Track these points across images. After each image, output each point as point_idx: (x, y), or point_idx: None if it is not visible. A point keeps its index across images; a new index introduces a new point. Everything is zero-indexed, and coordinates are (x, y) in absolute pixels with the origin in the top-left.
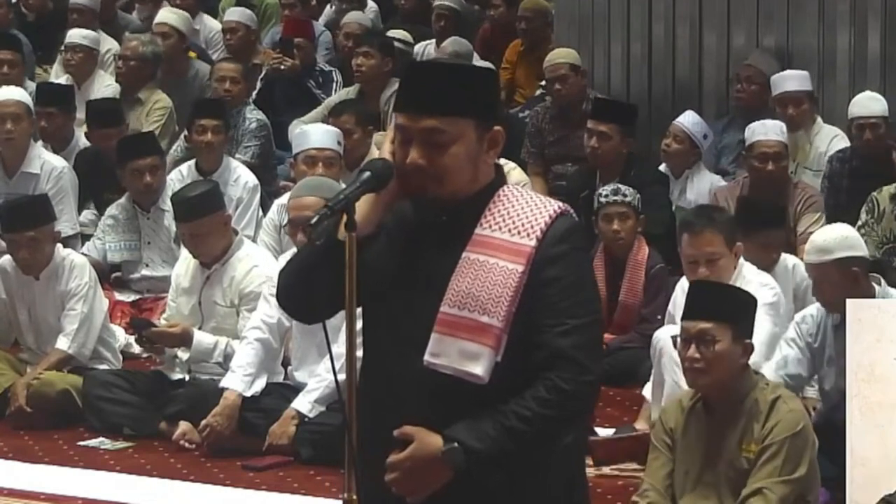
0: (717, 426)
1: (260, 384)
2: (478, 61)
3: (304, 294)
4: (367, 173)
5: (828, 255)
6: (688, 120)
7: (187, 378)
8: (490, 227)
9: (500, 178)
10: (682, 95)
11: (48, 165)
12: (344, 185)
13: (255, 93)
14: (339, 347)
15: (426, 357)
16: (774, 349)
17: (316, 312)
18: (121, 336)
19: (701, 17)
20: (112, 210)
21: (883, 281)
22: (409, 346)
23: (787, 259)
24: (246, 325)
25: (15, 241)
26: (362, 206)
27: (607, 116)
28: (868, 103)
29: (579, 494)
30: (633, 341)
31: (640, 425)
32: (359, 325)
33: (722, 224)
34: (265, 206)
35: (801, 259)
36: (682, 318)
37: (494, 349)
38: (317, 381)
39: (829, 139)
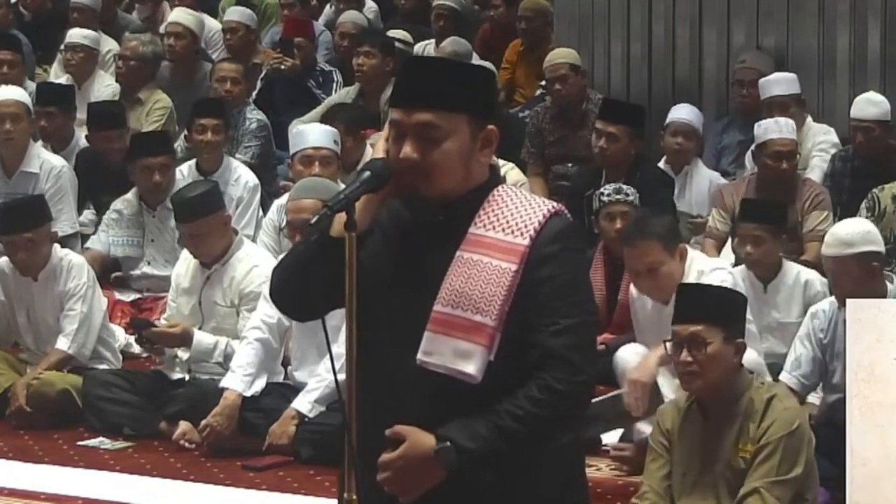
0: (713, 427)
1: (260, 384)
2: (477, 61)
3: (297, 290)
4: (367, 173)
5: (849, 249)
6: (686, 113)
7: (187, 378)
8: (484, 226)
9: (494, 178)
10: (682, 95)
11: (47, 165)
12: (343, 186)
13: (255, 93)
14: (339, 347)
15: (419, 356)
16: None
17: (309, 309)
18: (121, 336)
19: (701, 17)
20: (118, 205)
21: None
22: (402, 345)
23: (802, 273)
24: (246, 325)
25: (12, 242)
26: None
27: (616, 118)
28: (865, 106)
29: (579, 495)
30: (633, 340)
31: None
32: (336, 321)
33: (657, 232)
34: (265, 206)
35: (805, 258)
36: (673, 322)
37: (487, 348)
38: (317, 381)
39: (819, 136)
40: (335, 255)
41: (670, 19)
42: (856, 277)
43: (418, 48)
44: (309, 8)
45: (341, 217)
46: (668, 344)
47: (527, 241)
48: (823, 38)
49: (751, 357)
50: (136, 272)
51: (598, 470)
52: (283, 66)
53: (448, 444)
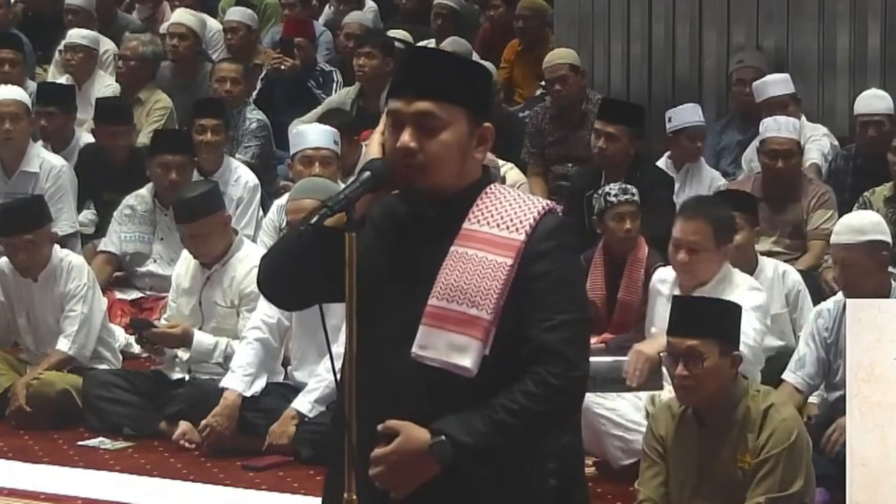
0: (710, 436)
1: (260, 384)
2: (477, 61)
3: (287, 279)
4: (368, 173)
5: (861, 236)
6: (697, 114)
7: (187, 378)
8: (478, 221)
9: (486, 177)
10: (682, 95)
11: (47, 164)
12: (342, 186)
13: (255, 93)
14: (339, 347)
15: (414, 349)
16: (761, 355)
17: (298, 299)
18: (121, 336)
19: (701, 17)
20: (130, 200)
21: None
22: (397, 340)
23: (778, 266)
24: (246, 325)
25: (13, 244)
26: None
27: (616, 118)
28: (872, 101)
29: (579, 494)
30: (633, 340)
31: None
32: (336, 320)
33: (716, 218)
34: (265, 206)
35: (806, 258)
36: (669, 334)
37: (483, 341)
38: (317, 381)
39: (809, 132)
40: (328, 245)
41: (670, 19)
42: (866, 266)
43: None
44: (309, 8)
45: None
46: (663, 356)
47: (522, 237)
48: (823, 38)
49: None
50: (142, 269)
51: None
52: (283, 67)
53: (443, 438)
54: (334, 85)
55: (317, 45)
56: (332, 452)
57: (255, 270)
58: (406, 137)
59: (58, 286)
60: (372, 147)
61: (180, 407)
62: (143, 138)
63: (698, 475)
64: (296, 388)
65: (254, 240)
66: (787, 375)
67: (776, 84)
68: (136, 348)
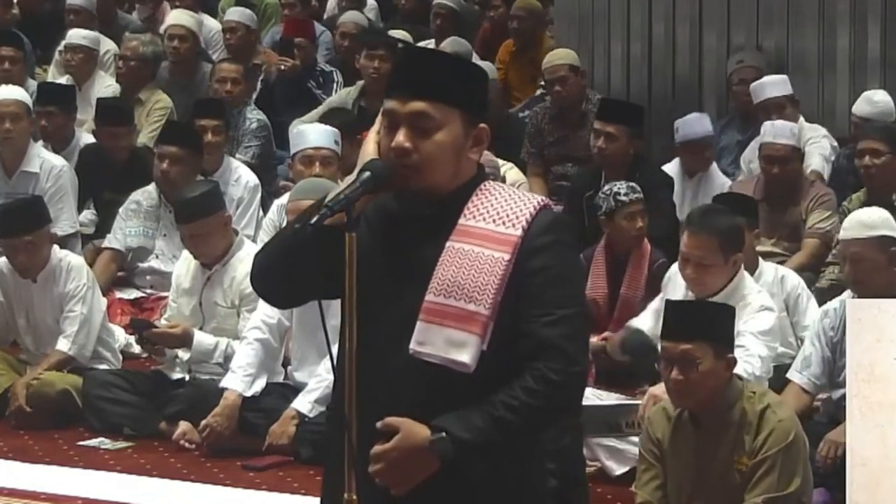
0: (706, 439)
1: (260, 384)
2: (477, 61)
3: (281, 276)
4: (367, 173)
5: (871, 231)
6: (708, 124)
7: (187, 378)
8: (474, 217)
9: (481, 175)
10: (682, 95)
11: (48, 164)
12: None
13: (255, 94)
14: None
15: (412, 346)
16: (765, 380)
17: (291, 296)
18: (121, 336)
19: (701, 17)
20: (137, 196)
21: None
22: (394, 337)
23: (778, 270)
24: (246, 325)
25: (12, 245)
26: None
27: (614, 117)
28: (861, 105)
29: (579, 495)
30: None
31: None
32: (336, 321)
33: (721, 230)
34: (265, 206)
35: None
36: (662, 338)
37: (481, 337)
38: (317, 381)
39: (808, 134)
40: (323, 243)
41: (670, 19)
42: (873, 261)
43: None
44: (309, 8)
45: None
46: (658, 364)
47: (519, 232)
48: (823, 38)
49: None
50: (144, 265)
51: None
52: (283, 67)
53: (443, 434)
54: (334, 85)
55: (317, 45)
56: (329, 451)
57: None
58: (401, 138)
59: (57, 286)
60: (367, 147)
61: (180, 407)
62: (144, 138)
63: (695, 477)
64: (296, 388)
65: (254, 240)
66: (793, 375)
67: (774, 85)
68: (136, 348)
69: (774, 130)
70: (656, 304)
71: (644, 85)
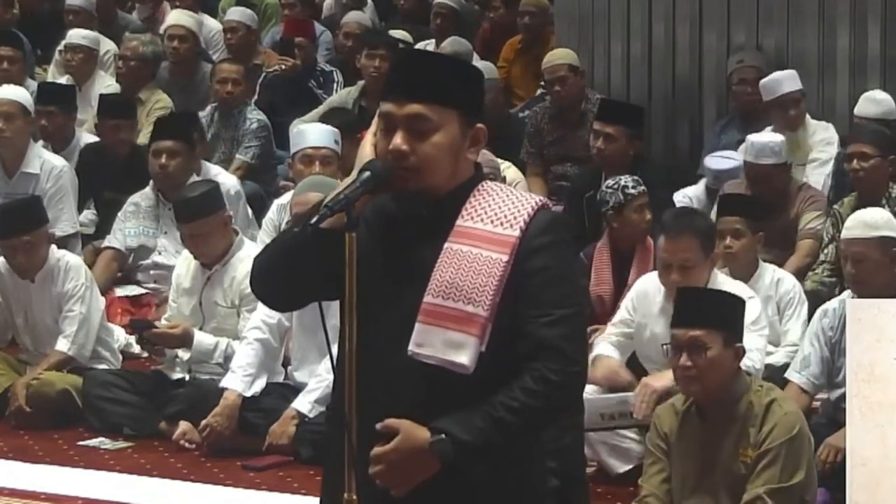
0: (712, 431)
1: (260, 384)
2: (477, 61)
3: (280, 279)
4: (367, 173)
5: (874, 231)
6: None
7: (187, 378)
8: (472, 218)
9: (479, 175)
10: (682, 95)
11: (48, 165)
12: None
13: (255, 94)
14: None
15: (411, 347)
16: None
17: (290, 299)
18: (121, 336)
19: (701, 17)
20: (135, 198)
21: None
22: (393, 338)
23: (776, 272)
24: (246, 325)
25: (10, 245)
26: None
27: (614, 118)
28: (865, 105)
29: (579, 494)
30: None
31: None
32: (336, 320)
33: (700, 230)
34: (265, 206)
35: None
36: (672, 325)
37: (479, 338)
38: (317, 381)
39: (819, 133)
40: (322, 246)
41: (670, 19)
42: (876, 262)
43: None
44: (309, 7)
45: None
46: (666, 347)
47: (517, 233)
48: (823, 38)
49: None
50: (147, 261)
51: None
52: (282, 67)
53: (443, 436)
54: (335, 85)
55: (317, 45)
56: (329, 451)
57: None
58: (398, 140)
59: (55, 286)
60: (364, 149)
61: (180, 407)
62: (144, 138)
63: (700, 469)
64: (296, 388)
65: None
66: (792, 375)
67: (788, 80)
68: (137, 348)
69: (755, 150)
70: (615, 336)
71: (644, 85)
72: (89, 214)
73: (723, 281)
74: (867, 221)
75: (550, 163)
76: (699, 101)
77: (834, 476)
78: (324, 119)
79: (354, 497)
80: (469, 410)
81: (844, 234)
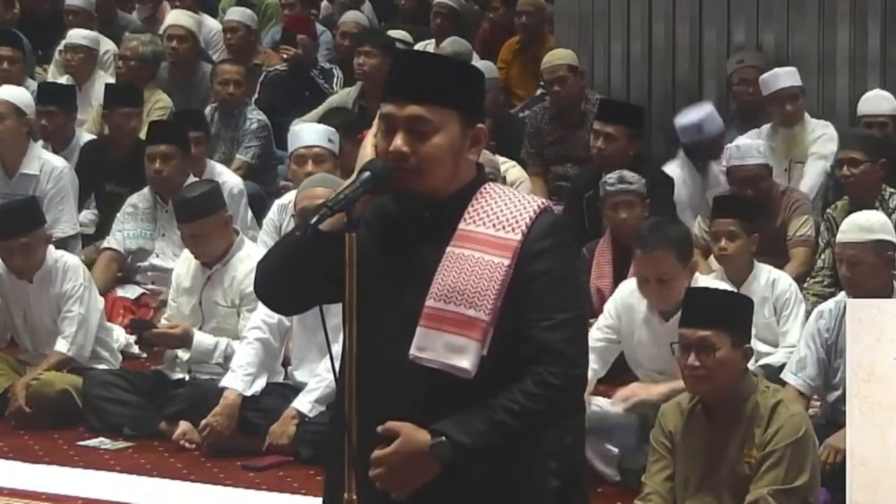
0: (718, 431)
1: (260, 384)
2: (477, 61)
3: (283, 283)
4: (367, 173)
5: (870, 235)
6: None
7: (187, 378)
8: (474, 222)
9: (481, 176)
10: (682, 95)
11: (48, 166)
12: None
13: (255, 95)
14: (339, 347)
15: (412, 351)
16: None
17: (293, 303)
18: (121, 336)
19: (701, 17)
20: (133, 199)
21: None
22: (394, 341)
23: (772, 273)
24: (246, 325)
25: (8, 247)
26: None
27: (614, 118)
28: (878, 101)
29: (579, 494)
30: None
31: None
32: (337, 320)
33: (674, 241)
34: (265, 206)
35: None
36: (681, 325)
37: (481, 342)
38: (317, 380)
39: (818, 131)
40: (324, 250)
41: (670, 19)
42: (872, 265)
43: (418, 48)
44: (309, 7)
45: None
46: (675, 346)
47: (518, 237)
48: (823, 37)
49: None
50: (145, 263)
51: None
52: (284, 56)
53: (443, 439)
54: (335, 80)
55: (317, 45)
56: (331, 452)
57: None
58: (399, 142)
59: (54, 287)
60: (365, 150)
61: (180, 407)
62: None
63: (704, 468)
64: (296, 388)
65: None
66: (788, 377)
67: (786, 76)
68: (137, 348)
69: (741, 153)
70: (600, 342)
71: (644, 85)
72: (89, 214)
73: (705, 284)
74: (862, 225)
75: (550, 163)
76: (699, 102)
77: (834, 476)
78: (324, 119)
79: (354, 497)
80: (469, 413)
81: (839, 237)
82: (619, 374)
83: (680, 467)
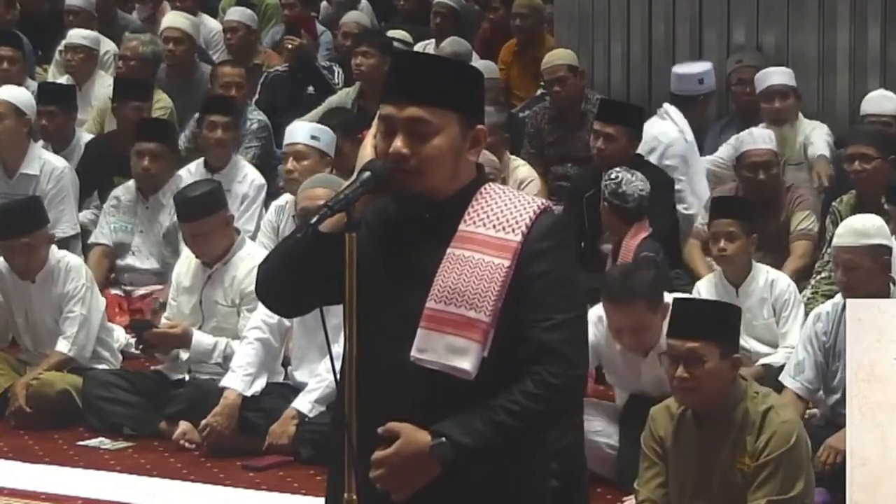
0: (709, 438)
1: (260, 384)
2: (477, 61)
3: (284, 285)
4: (367, 173)
5: (866, 240)
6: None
7: (187, 378)
8: (474, 223)
9: (481, 177)
10: None
11: (48, 166)
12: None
13: (256, 94)
14: (339, 347)
15: (413, 353)
16: None
17: (295, 304)
18: (121, 336)
19: (701, 17)
20: (118, 191)
21: None
22: (395, 342)
23: (770, 273)
24: (246, 324)
25: (10, 247)
26: None
27: (614, 118)
28: (881, 101)
29: (579, 495)
30: None
31: None
32: (337, 320)
33: (644, 292)
34: (267, 206)
35: (790, 260)
36: (669, 336)
37: (481, 344)
38: (317, 380)
39: (809, 130)
40: (324, 250)
41: (670, 19)
42: (868, 269)
43: (418, 48)
44: (309, 7)
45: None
46: (663, 357)
47: (519, 238)
48: (823, 37)
49: None
50: (122, 262)
51: None
52: (289, 46)
53: (443, 439)
54: (337, 75)
55: (318, 45)
56: (332, 453)
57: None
58: (399, 143)
59: (56, 287)
60: (365, 150)
61: (180, 407)
62: None
63: (697, 476)
64: (296, 388)
65: (253, 237)
66: (787, 381)
67: (778, 74)
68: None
69: (753, 138)
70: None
71: (644, 85)
72: (89, 214)
73: (703, 286)
74: (858, 229)
75: (550, 163)
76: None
77: (834, 476)
78: (323, 119)
79: (354, 497)
80: (469, 414)
81: (836, 241)
82: None
83: (673, 474)
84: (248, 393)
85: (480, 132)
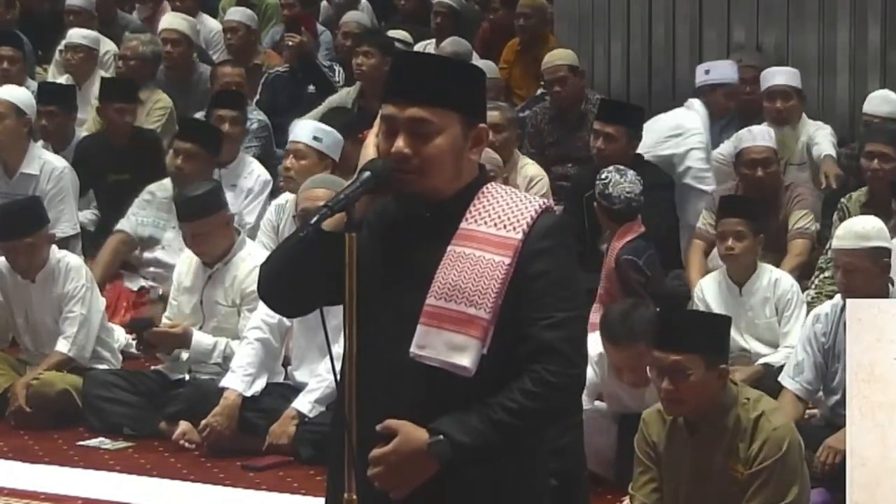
0: (701, 444)
1: (260, 384)
2: (477, 61)
3: (286, 284)
4: (367, 173)
5: (865, 242)
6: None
7: (187, 378)
8: (475, 221)
9: (483, 176)
10: (682, 95)
11: (48, 166)
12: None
13: (256, 94)
14: (340, 347)
15: (412, 349)
16: None
17: (297, 304)
18: (121, 336)
19: (701, 17)
20: (153, 187)
21: None
22: (394, 339)
23: (773, 273)
24: (247, 324)
25: (12, 247)
26: None
27: (614, 118)
28: (879, 104)
29: (579, 494)
30: None
31: None
32: (337, 320)
33: (644, 333)
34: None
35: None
36: (654, 347)
37: (481, 341)
38: (317, 380)
39: (813, 131)
40: (326, 249)
41: (670, 19)
42: (867, 271)
43: (418, 48)
44: (309, 7)
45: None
46: (650, 370)
47: (520, 236)
48: (823, 37)
49: None
50: (150, 255)
51: None
52: (290, 44)
53: (441, 437)
54: (338, 74)
55: (318, 45)
56: (332, 453)
57: (257, 271)
58: (400, 143)
59: (56, 287)
60: (367, 150)
61: (180, 407)
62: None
63: (691, 482)
64: (296, 388)
65: (253, 231)
66: (786, 381)
67: (783, 74)
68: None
69: (752, 135)
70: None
71: (644, 85)
72: (89, 214)
73: (707, 285)
74: (858, 232)
75: (551, 163)
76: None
77: (834, 476)
78: (324, 119)
79: (354, 497)
80: (468, 412)
81: (835, 244)
82: None
83: (667, 479)
84: (248, 393)
85: (482, 131)
